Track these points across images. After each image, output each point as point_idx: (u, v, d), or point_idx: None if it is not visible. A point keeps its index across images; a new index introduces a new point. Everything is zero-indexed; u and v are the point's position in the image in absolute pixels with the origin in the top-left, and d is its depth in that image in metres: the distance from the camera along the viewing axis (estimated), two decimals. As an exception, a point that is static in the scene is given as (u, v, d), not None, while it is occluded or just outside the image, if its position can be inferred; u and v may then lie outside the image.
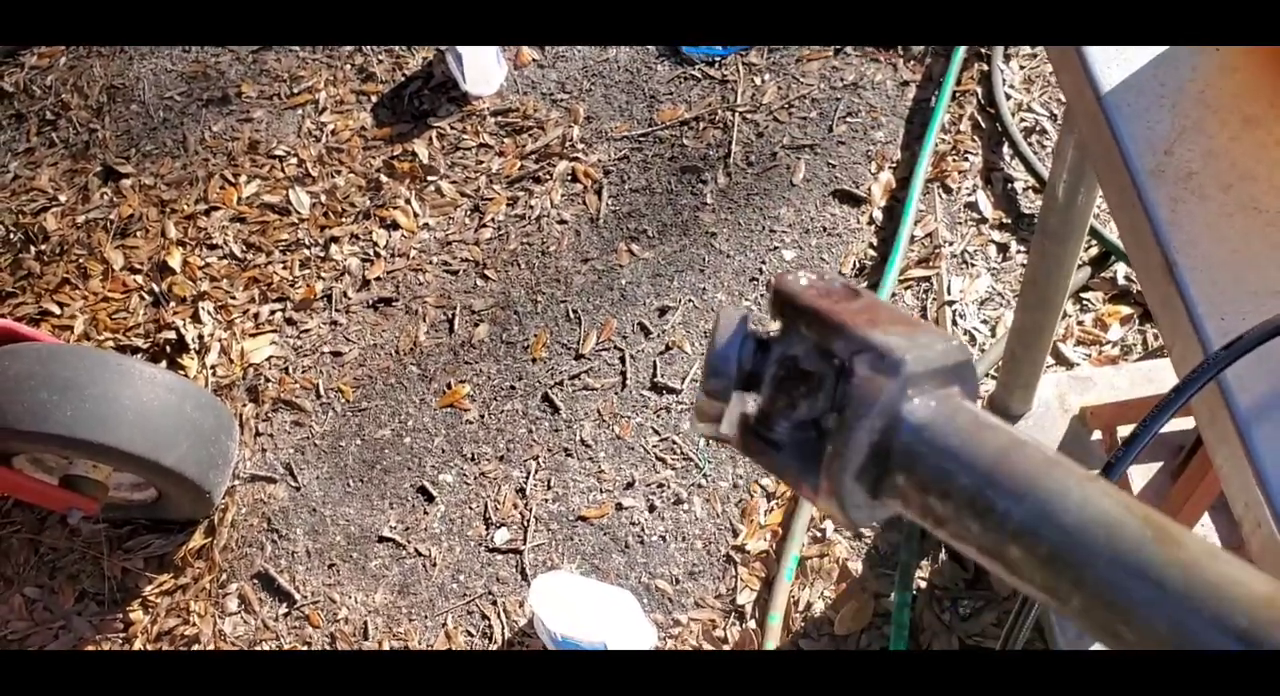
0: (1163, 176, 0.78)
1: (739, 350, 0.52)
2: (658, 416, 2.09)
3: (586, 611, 1.79)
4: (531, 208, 2.42)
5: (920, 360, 0.45)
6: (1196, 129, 0.81)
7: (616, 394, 2.13)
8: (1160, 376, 1.68)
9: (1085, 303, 2.09)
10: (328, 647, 1.92)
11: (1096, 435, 1.71)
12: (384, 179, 2.51)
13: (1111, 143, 0.82)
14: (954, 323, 2.10)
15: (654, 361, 2.16)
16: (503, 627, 1.90)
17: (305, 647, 1.92)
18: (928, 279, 2.18)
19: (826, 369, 0.50)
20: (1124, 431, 1.65)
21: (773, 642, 1.80)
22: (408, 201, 2.47)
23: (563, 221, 2.39)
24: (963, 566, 1.81)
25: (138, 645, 1.95)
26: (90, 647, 1.96)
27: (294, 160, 2.59)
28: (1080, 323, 2.07)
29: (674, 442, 2.05)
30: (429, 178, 2.50)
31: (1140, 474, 1.64)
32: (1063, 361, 2.02)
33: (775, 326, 0.52)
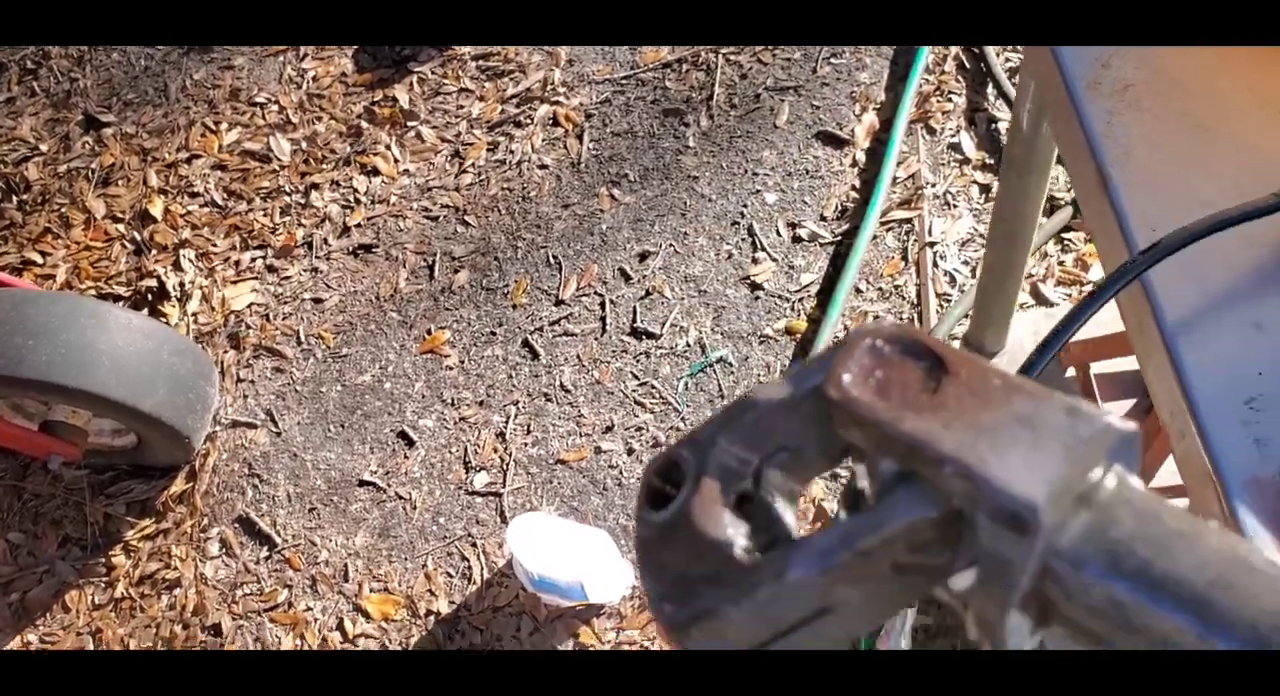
0: (1099, 89, 0.77)
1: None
2: (637, 361, 2.09)
3: (563, 551, 1.80)
4: (512, 153, 2.40)
5: (1060, 494, 0.35)
6: (1140, 43, 0.80)
7: (596, 339, 2.13)
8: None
9: (1067, 243, 2.08)
10: (309, 589, 1.93)
11: (1070, 372, 1.70)
12: (364, 125, 2.49)
13: (1050, 57, 0.80)
14: (935, 264, 2.09)
15: (634, 307, 2.15)
16: (482, 568, 1.91)
17: (286, 590, 1.94)
18: (909, 221, 2.16)
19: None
20: (1097, 369, 1.64)
21: (748, 581, 1.81)
22: (388, 147, 2.45)
23: (544, 166, 2.37)
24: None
25: (120, 589, 1.97)
26: (73, 592, 1.98)
27: (275, 107, 2.57)
28: (1061, 262, 2.05)
29: (653, 387, 2.05)
30: (409, 123, 2.48)
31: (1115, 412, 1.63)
32: (1043, 302, 2.01)
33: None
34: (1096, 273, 2.04)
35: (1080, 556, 0.35)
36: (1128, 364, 1.65)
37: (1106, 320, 1.70)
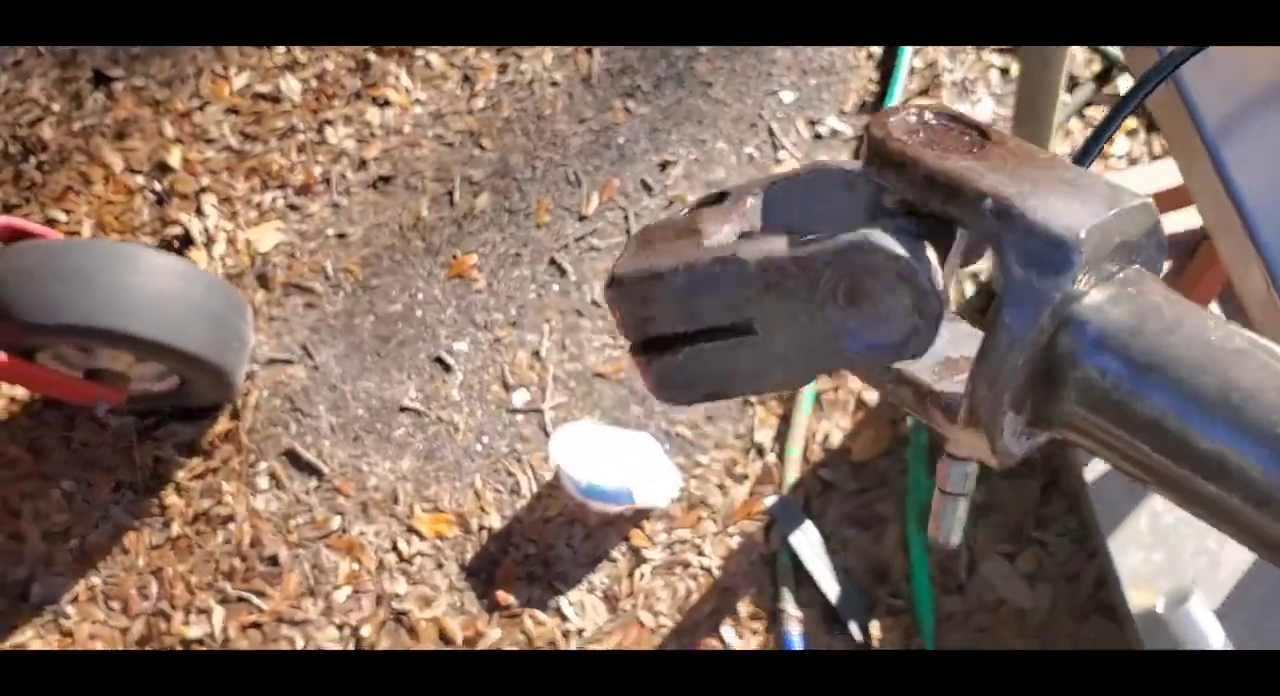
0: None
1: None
2: (666, 269, 2.08)
3: (609, 458, 1.81)
4: (522, 73, 2.38)
5: (1098, 236, 0.33)
6: None
7: (623, 251, 2.12)
8: (1162, 176, 1.64)
9: (1089, 120, 2.05)
10: (360, 515, 1.96)
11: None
12: (372, 58, 2.47)
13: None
14: (958, 151, 2.07)
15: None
16: (529, 482, 1.93)
17: (339, 517, 1.97)
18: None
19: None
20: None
21: (793, 474, 1.82)
22: (398, 78, 2.43)
23: (555, 84, 2.35)
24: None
25: (176, 528, 2.00)
26: (130, 534, 2.01)
27: (281, 48, 2.55)
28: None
29: (684, 294, 2.05)
30: (417, 52, 2.46)
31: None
32: (1071, 179, 1.99)
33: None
34: (1122, 146, 2.01)
35: (1104, 311, 0.34)
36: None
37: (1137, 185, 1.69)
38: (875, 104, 2.16)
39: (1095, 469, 1.57)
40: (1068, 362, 0.34)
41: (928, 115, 0.39)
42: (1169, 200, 1.48)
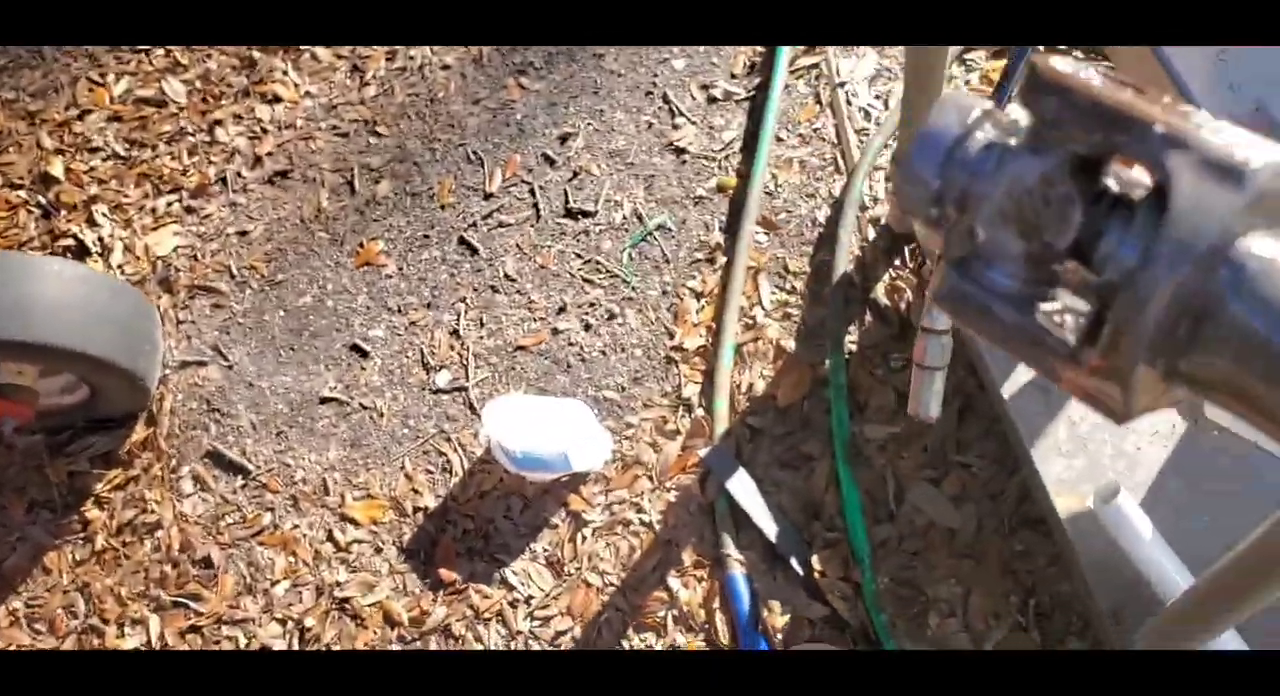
0: None
1: (946, 155, 0.37)
2: (578, 241, 2.10)
3: (542, 426, 1.82)
4: (412, 58, 2.37)
5: (1270, 173, 0.31)
6: None
7: (532, 226, 2.13)
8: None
9: (969, 63, 2.13)
10: (291, 509, 1.93)
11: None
12: (257, 54, 2.44)
13: None
14: (848, 102, 2.13)
15: (564, 189, 2.16)
16: (461, 460, 1.93)
17: (269, 513, 1.94)
18: (816, 66, 2.19)
19: (1095, 193, 0.35)
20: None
21: (722, 425, 1.86)
22: (285, 73, 2.40)
23: (446, 67, 2.35)
24: (887, 323, 1.88)
25: (100, 541, 1.94)
26: (51, 554, 1.95)
27: (160, 51, 2.49)
28: (967, 81, 2.11)
29: (598, 263, 2.07)
30: (302, 45, 2.42)
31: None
32: (957, 122, 2.06)
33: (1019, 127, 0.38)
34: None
35: (1257, 266, 0.32)
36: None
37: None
38: (764, 65, 2.21)
39: (1012, 385, 1.64)
40: (1218, 304, 0.32)
41: (1088, 65, 0.37)
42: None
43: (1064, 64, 0.36)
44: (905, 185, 0.37)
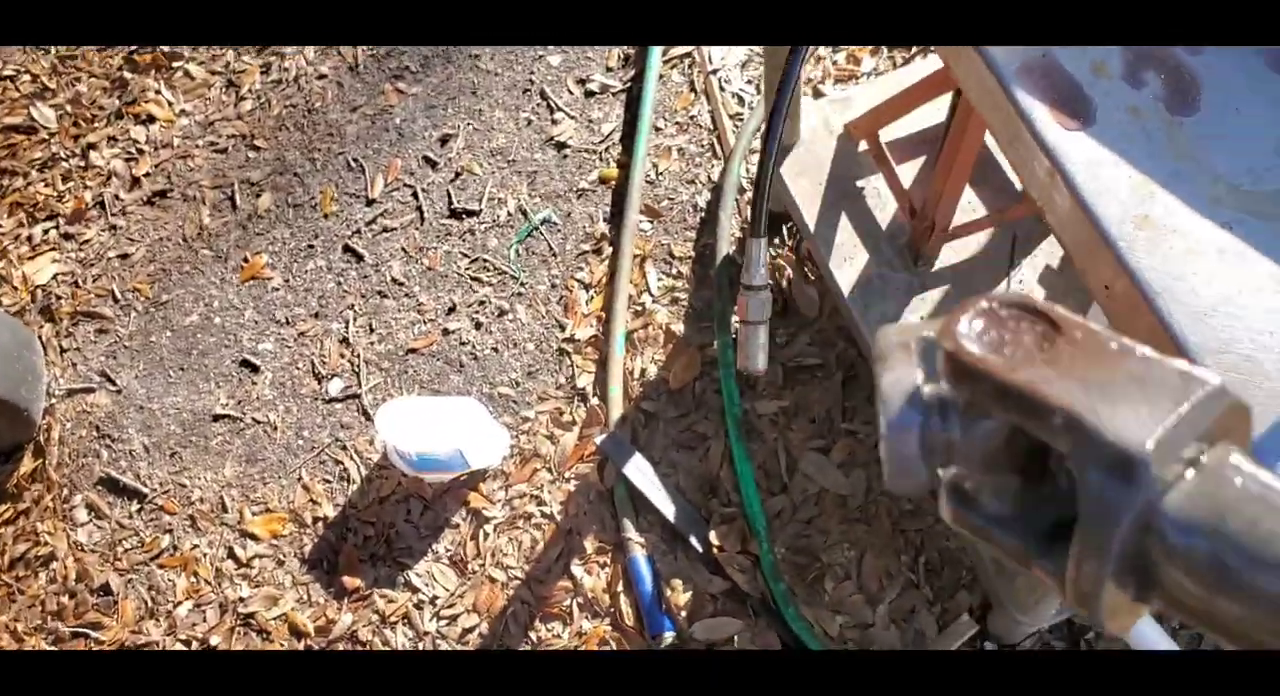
0: None
1: (920, 441, 0.40)
2: (463, 241, 2.11)
3: (436, 425, 1.82)
4: (286, 70, 2.35)
5: (1168, 445, 0.35)
6: None
7: (417, 229, 2.13)
8: (908, 78, 1.77)
9: (819, 54, 2.18)
10: (190, 529, 1.91)
11: (863, 146, 1.81)
12: (128, 75, 2.40)
13: None
14: (721, 89, 2.16)
15: (447, 190, 2.16)
16: (358, 467, 1.92)
17: (168, 535, 1.91)
18: (689, 54, 2.22)
19: (1039, 452, 0.39)
20: (885, 136, 1.75)
21: (617, 411, 1.88)
22: (158, 92, 2.37)
23: (322, 76, 2.34)
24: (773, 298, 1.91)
25: (-6, 578, 1.90)
26: (-55, 594, 1.90)
27: (26, 77, 2.44)
28: (835, 62, 2.15)
29: (486, 261, 2.08)
30: (174, 63, 2.40)
31: (907, 172, 1.75)
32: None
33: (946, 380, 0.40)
34: (868, 64, 2.15)
35: (1184, 513, 0.34)
36: (912, 126, 1.77)
37: (879, 97, 1.80)
38: (639, 56, 2.24)
39: (885, 352, 1.68)
40: (1155, 561, 0.35)
41: (997, 306, 0.39)
42: (924, 91, 1.60)
43: (965, 330, 0.38)
44: (900, 479, 0.40)
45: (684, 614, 1.72)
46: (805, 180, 1.80)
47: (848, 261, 1.73)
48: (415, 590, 1.81)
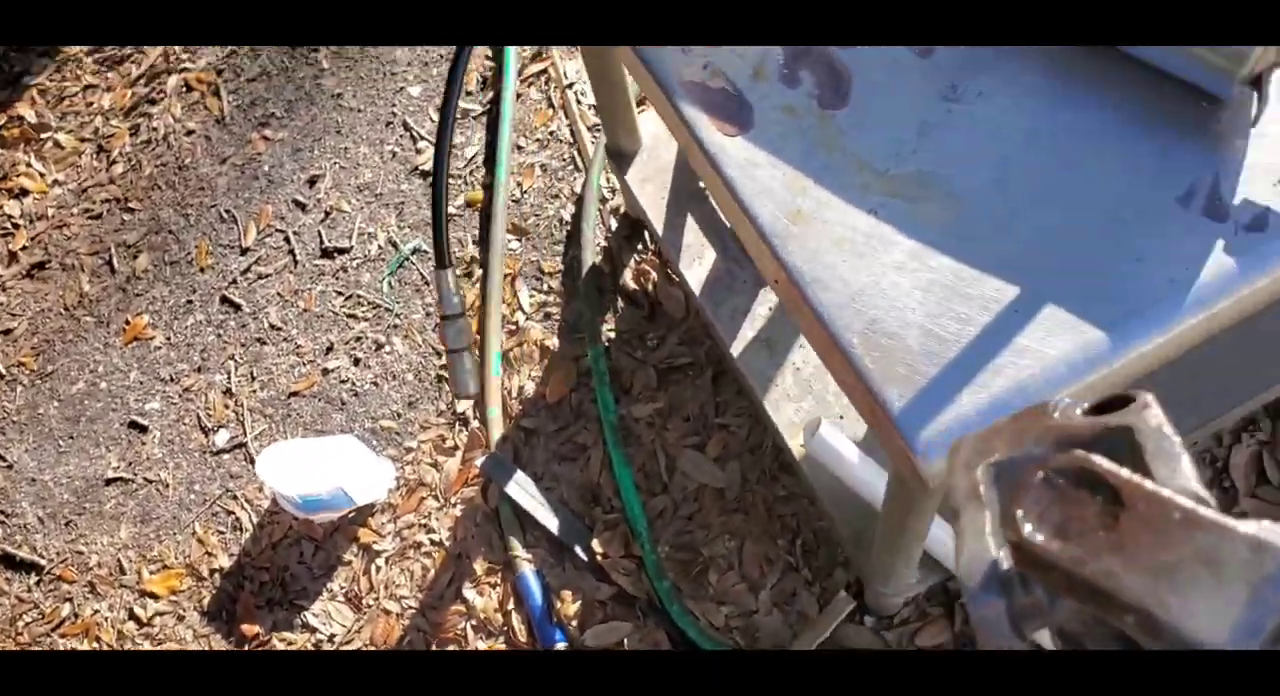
0: None
1: (1010, 617, 0.40)
2: (337, 279, 2.12)
3: (319, 468, 1.84)
4: (155, 130, 2.37)
5: (1246, 634, 0.34)
6: None
7: (291, 272, 2.15)
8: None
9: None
10: (89, 595, 1.92)
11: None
12: (-2, 152, 2.41)
13: None
14: (578, 102, 2.19)
15: (318, 230, 2.18)
16: (250, 515, 1.94)
17: (68, 603, 1.92)
18: (544, 71, 2.25)
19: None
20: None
21: (497, 431, 1.89)
22: (29, 164, 2.38)
23: (190, 132, 2.35)
24: (638, 307, 1.94)
25: (-100, 667, 1.90)
26: None
27: (-101, 165, 2.45)
28: (685, 62, 2.18)
29: (359, 297, 2.09)
30: (43, 135, 2.41)
31: None
32: (680, 101, 2.14)
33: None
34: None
35: None
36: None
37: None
38: (495, 77, 2.26)
39: (739, 343, 1.70)
40: None
41: (1055, 477, 0.39)
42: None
43: (1030, 509, 0.38)
44: (993, 645, 0.40)
45: (575, 623, 1.73)
46: (651, 186, 1.83)
47: (697, 261, 1.75)
48: (313, 630, 1.82)
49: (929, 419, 0.72)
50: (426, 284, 2.08)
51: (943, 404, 0.72)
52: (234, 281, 2.16)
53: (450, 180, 2.18)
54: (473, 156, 2.20)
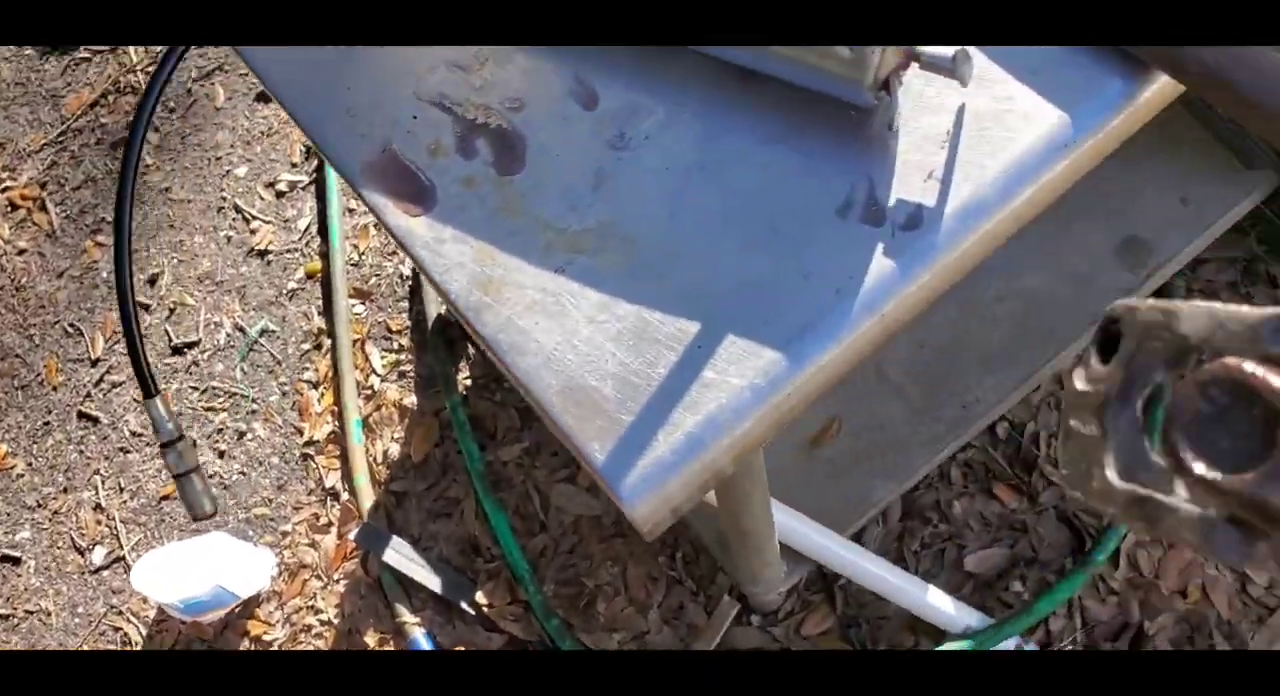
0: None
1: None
2: (190, 374, 2.10)
3: (194, 569, 1.81)
4: (-15, 255, 2.33)
5: None
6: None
7: (144, 375, 2.12)
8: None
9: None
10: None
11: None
12: None
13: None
14: (400, 155, 2.18)
15: (165, 329, 2.15)
16: (138, 628, 1.91)
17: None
18: (364, 129, 2.24)
19: None
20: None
21: (368, 500, 1.88)
22: None
23: (22, 251, 2.32)
24: (486, 350, 1.94)
25: None
26: None
27: None
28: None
29: (214, 389, 2.07)
30: (-125, 275, 2.36)
31: None
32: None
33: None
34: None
35: None
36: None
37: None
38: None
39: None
40: None
41: (1214, 392, 0.34)
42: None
43: (1187, 423, 0.34)
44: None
45: (472, 679, 1.73)
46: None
47: (526, 297, 1.76)
48: (217, 734, 1.80)
49: (630, 466, 0.73)
50: (278, 362, 2.07)
51: (641, 449, 0.73)
52: (88, 395, 2.13)
53: (286, 256, 2.17)
54: (306, 228, 2.18)
